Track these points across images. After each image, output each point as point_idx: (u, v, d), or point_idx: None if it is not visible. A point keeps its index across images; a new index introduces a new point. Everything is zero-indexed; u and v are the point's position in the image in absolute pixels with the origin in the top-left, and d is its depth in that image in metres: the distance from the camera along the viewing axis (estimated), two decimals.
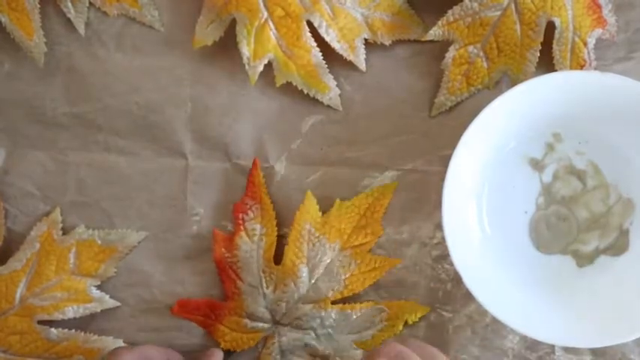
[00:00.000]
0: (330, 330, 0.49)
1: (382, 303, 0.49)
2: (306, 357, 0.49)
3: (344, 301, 0.49)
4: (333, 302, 0.49)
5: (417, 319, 0.49)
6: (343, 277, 0.49)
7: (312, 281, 0.49)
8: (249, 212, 0.49)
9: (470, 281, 0.45)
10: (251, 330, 0.49)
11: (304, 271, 0.49)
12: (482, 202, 0.48)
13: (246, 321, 0.49)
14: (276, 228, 0.49)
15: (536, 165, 0.48)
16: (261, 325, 0.49)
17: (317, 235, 0.49)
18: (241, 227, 0.49)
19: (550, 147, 0.48)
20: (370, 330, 0.49)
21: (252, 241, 0.49)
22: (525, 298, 0.46)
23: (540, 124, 0.47)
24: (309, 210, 0.49)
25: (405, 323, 0.49)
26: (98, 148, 0.51)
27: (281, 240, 0.50)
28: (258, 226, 0.49)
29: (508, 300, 0.45)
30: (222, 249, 0.49)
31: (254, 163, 0.49)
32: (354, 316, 0.49)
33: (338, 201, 0.49)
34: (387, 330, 0.49)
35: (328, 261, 0.49)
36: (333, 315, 0.49)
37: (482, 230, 0.48)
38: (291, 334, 0.49)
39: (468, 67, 0.48)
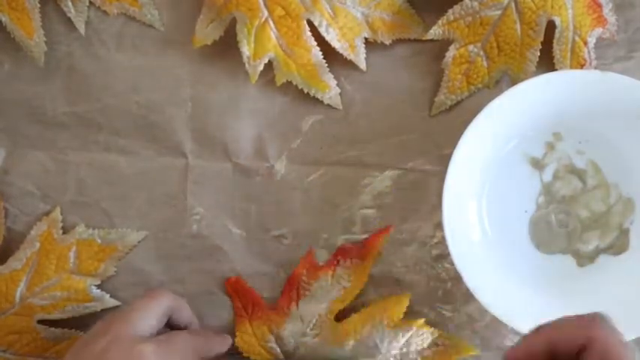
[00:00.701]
0: None
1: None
2: None
3: None
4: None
5: None
6: None
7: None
8: (348, 260, 0.49)
9: (470, 280, 0.45)
10: (267, 349, 0.49)
11: (349, 345, 0.48)
12: (482, 201, 0.48)
13: (270, 337, 0.49)
14: (360, 289, 0.49)
15: (537, 164, 0.48)
16: (278, 351, 0.49)
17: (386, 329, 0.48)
18: (333, 267, 0.49)
19: (550, 146, 0.48)
20: None
21: (332, 285, 0.49)
22: (525, 298, 0.46)
23: (541, 123, 0.47)
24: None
25: None
26: (98, 148, 0.51)
27: (280, 240, 0.50)
28: (345, 277, 0.49)
29: (508, 299, 0.45)
30: (305, 270, 0.49)
31: (386, 229, 0.50)
32: None
33: None
34: None
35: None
36: None
37: (483, 229, 0.48)
38: None
39: (468, 67, 0.48)
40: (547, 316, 0.45)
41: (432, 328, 0.49)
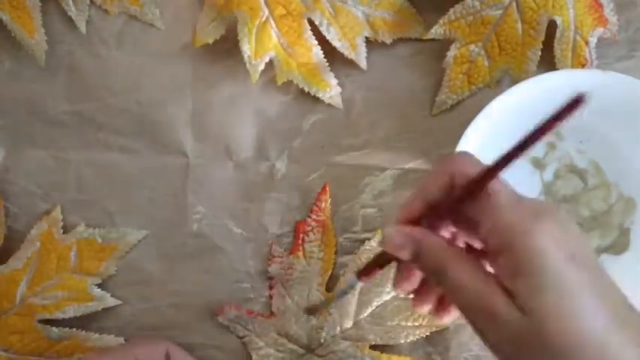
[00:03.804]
0: None
1: None
2: None
3: (382, 348, 0.48)
4: (372, 347, 0.48)
5: None
6: (389, 324, 0.48)
7: (358, 317, 0.48)
8: (310, 234, 0.49)
9: None
10: (285, 350, 0.49)
11: (353, 305, 0.48)
12: None
13: (284, 340, 0.49)
14: (334, 255, 0.49)
15: (538, 164, 0.48)
16: (295, 347, 0.49)
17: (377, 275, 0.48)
18: (300, 247, 0.49)
19: (551, 146, 0.48)
20: None
21: (309, 263, 0.49)
22: None
23: None
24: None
25: None
26: (99, 147, 0.51)
27: (281, 240, 0.50)
28: (316, 250, 0.49)
29: None
30: (278, 265, 0.49)
31: (324, 188, 0.49)
32: None
33: None
34: None
35: (380, 303, 0.48)
36: None
37: None
38: None
39: (469, 66, 0.48)
40: None
41: None
